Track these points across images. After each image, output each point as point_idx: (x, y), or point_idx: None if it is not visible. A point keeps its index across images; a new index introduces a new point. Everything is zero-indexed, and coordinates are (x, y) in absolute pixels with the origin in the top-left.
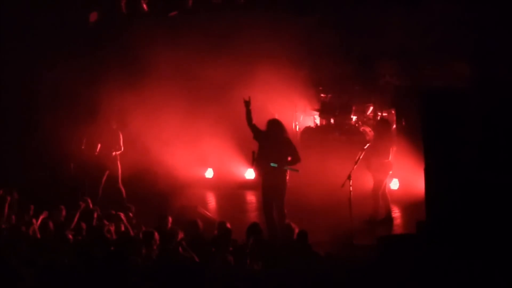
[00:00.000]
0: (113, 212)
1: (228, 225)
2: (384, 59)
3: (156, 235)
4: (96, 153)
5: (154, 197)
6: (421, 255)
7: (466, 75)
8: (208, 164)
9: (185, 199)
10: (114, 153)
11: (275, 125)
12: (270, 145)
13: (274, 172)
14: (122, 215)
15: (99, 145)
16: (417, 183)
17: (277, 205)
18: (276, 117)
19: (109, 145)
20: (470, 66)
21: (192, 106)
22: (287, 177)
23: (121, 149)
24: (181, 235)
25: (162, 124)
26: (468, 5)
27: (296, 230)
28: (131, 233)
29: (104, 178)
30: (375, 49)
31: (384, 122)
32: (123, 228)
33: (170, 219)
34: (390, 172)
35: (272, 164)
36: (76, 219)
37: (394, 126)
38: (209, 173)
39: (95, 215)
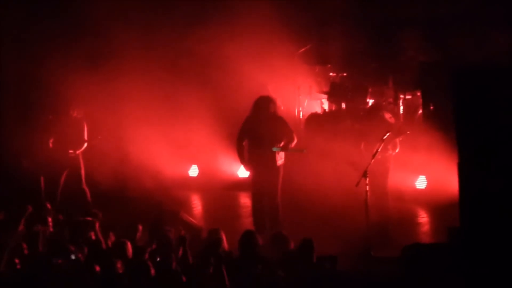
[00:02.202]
0: (81, 218)
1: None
2: (407, 29)
3: (129, 246)
4: (50, 147)
5: (126, 200)
6: (454, 268)
7: (507, 48)
8: (192, 160)
9: (165, 203)
10: (75, 150)
11: (256, 107)
12: (256, 132)
13: (264, 160)
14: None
15: (51, 139)
16: (449, 181)
17: (269, 194)
18: (263, 94)
19: (69, 138)
20: None
21: (172, 91)
22: (280, 162)
23: (85, 143)
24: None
25: (135, 112)
26: None
27: (291, 242)
28: (103, 244)
29: (63, 178)
30: (396, 17)
31: (374, 109)
32: (93, 237)
33: (140, 227)
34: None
35: (274, 149)
36: (21, 226)
37: (420, 111)
38: (193, 171)
39: (50, 221)
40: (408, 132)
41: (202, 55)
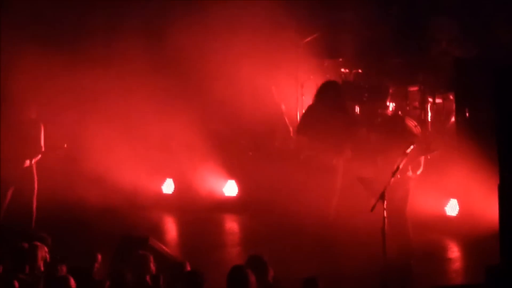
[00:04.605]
0: (25, 244)
1: (189, 267)
2: (440, 15)
3: (72, 282)
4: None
5: (83, 222)
6: None
7: None
8: (167, 173)
9: (132, 227)
10: (31, 160)
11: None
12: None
13: None
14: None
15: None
16: (487, 207)
17: None
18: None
19: (22, 145)
20: None
21: (146, 88)
22: None
23: (41, 150)
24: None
25: (99, 113)
26: None
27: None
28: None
29: (9, 196)
30: (425, 2)
31: (395, 115)
32: (42, 269)
33: (99, 257)
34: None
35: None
36: None
37: (453, 118)
38: (168, 187)
39: None
40: (437, 151)
41: (186, 49)
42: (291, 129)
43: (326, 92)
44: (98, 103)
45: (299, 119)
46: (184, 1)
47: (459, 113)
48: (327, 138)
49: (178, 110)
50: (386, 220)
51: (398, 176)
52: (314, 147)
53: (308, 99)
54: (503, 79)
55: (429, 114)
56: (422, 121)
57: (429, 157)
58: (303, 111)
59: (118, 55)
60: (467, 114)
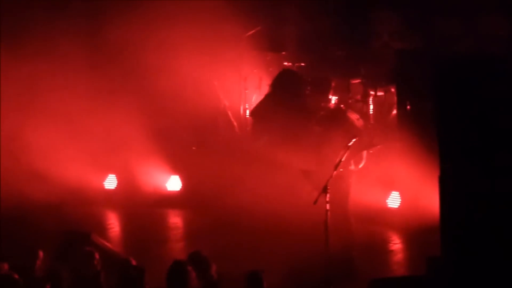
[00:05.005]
0: None
1: (134, 262)
2: (381, 10)
3: (14, 280)
4: None
5: (26, 219)
6: None
7: (503, 35)
8: (110, 169)
9: (74, 223)
10: None
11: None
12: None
13: None
14: None
15: None
16: (428, 199)
17: None
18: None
19: None
20: (509, 23)
21: (87, 83)
22: None
23: None
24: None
25: (34, 103)
26: None
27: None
28: None
29: None
30: None
31: (337, 108)
32: None
33: (41, 254)
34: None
35: None
36: None
37: (395, 111)
38: (110, 182)
39: None
40: (379, 146)
41: (126, 37)
42: (235, 123)
43: (283, 80)
44: (39, 99)
45: (255, 104)
46: None
47: (400, 105)
48: (282, 124)
49: (121, 105)
50: (328, 213)
51: (341, 169)
52: (267, 133)
53: (251, 93)
54: (444, 71)
55: (371, 106)
56: (364, 114)
57: (371, 151)
58: (261, 98)
59: (58, 51)
60: (408, 107)
